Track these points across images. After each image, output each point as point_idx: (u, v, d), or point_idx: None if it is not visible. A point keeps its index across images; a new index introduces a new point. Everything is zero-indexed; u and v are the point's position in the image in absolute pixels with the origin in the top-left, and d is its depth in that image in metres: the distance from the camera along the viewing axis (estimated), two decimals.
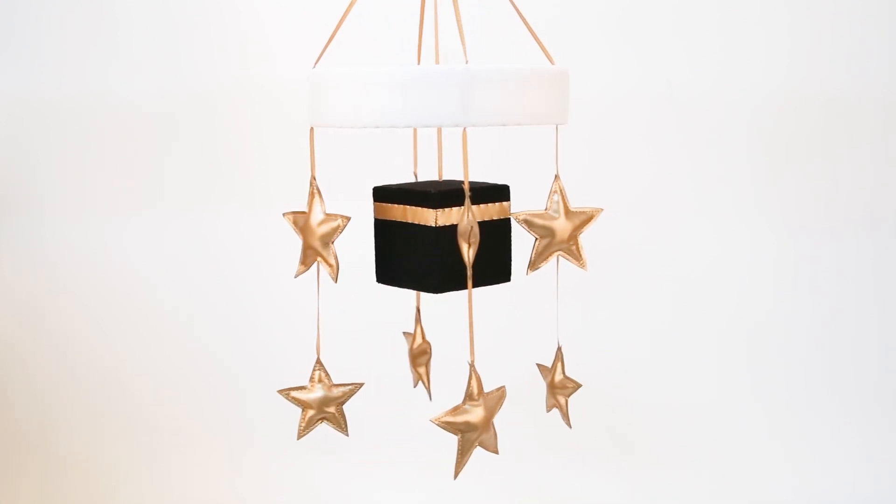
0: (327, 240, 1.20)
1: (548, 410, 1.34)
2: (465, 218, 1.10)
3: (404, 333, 1.44)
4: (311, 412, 1.29)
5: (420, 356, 1.43)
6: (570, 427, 1.32)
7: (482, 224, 1.17)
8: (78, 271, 2.41)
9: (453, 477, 1.17)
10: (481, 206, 1.18)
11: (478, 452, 1.23)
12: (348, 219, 1.19)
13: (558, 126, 1.18)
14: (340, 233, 1.19)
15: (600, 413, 2.27)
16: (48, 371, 2.43)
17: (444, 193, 1.16)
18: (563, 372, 1.30)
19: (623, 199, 2.27)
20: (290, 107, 2.21)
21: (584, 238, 1.24)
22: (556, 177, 1.19)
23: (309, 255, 1.23)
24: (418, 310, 1.40)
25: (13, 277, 2.44)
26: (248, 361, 2.37)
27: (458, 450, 1.13)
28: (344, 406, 1.32)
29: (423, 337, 1.42)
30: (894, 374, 2.28)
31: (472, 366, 1.12)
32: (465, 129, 1.07)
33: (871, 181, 2.25)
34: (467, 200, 1.11)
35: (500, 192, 1.21)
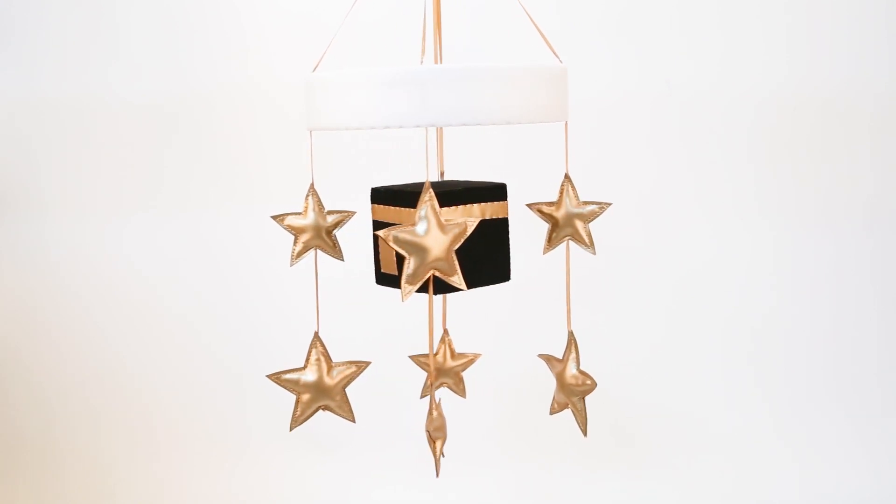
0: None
1: (552, 412, 1.28)
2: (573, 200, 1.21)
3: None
4: (306, 397, 1.20)
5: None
6: (586, 435, 1.26)
7: (481, 223, 1.17)
8: (77, 271, 2.41)
9: (289, 429, 1.20)
10: (481, 204, 1.18)
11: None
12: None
13: (559, 123, 1.18)
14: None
15: (603, 412, 2.26)
16: (47, 370, 2.43)
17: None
18: (578, 365, 1.25)
19: (623, 199, 2.26)
20: (289, 108, 2.21)
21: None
22: (566, 176, 1.22)
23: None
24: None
25: (13, 277, 2.44)
26: (248, 361, 2.37)
27: (295, 407, 1.18)
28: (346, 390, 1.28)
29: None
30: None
31: (315, 334, 1.18)
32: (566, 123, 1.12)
33: (871, 181, 2.25)
34: (569, 182, 1.21)
35: (498, 191, 1.21)
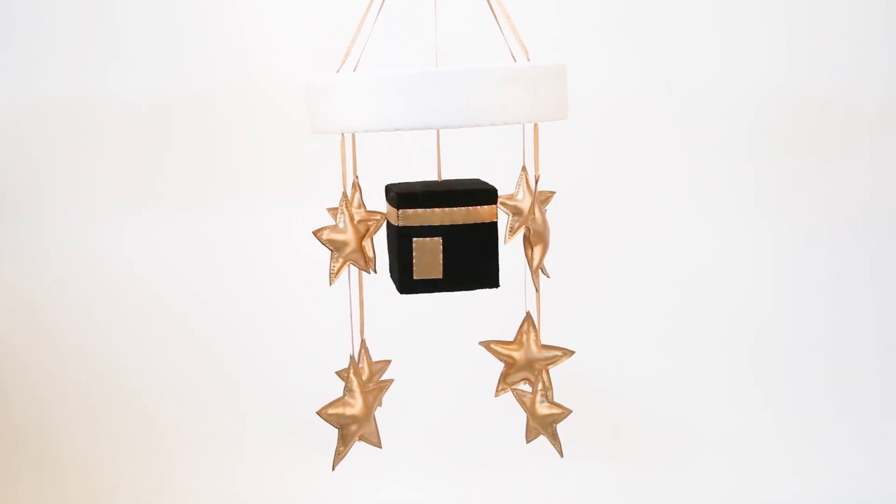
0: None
1: (528, 441, 1.30)
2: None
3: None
4: (349, 429, 1.16)
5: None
6: (562, 455, 1.30)
7: (469, 226, 1.17)
8: (77, 272, 2.41)
9: (332, 469, 1.16)
10: (451, 208, 1.17)
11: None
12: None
13: (558, 122, 1.18)
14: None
15: (604, 413, 2.27)
16: (47, 371, 2.43)
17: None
18: (538, 342, 1.29)
19: (623, 199, 2.27)
20: (289, 108, 2.21)
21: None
22: (524, 168, 1.26)
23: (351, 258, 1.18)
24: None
25: (12, 277, 2.44)
26: (248, 362, 2.37)
27: (338, 441, 1.16)
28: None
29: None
30: None
31: (352, 358, 1.14)
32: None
33: (871, 181, 2.25)
34: (525, 173, 1.23)
35: (481, 196, 1.20)
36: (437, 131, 1.35)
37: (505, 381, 1.34)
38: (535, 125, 1.14)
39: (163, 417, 2.38)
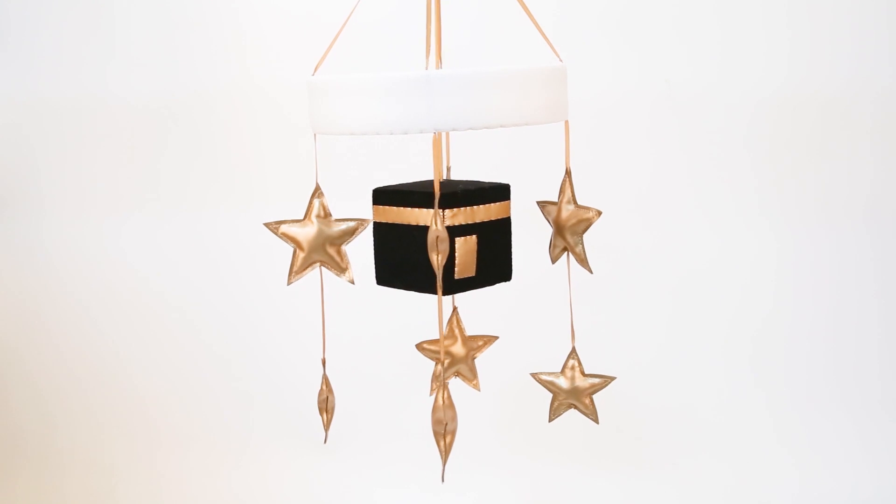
0: (340, 242, 1.17)
1: (552, 419, 1.34)
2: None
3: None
4: (449, 439, 1.16)
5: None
6: (598, 423, 1.35)
7: (497, 223, 1.19)
8: (76, 271, 2.41)
9: (441, 481, 1.18)
10: (482, 206, 1.18)
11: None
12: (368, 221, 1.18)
13: (558, 122, 1.18)
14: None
15: (604, 414, 2.26)
16: (47, 370, 2.43)
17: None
18: (583, 373, 1.32)
19: (623, 199, 2.27)
20: (288, 108, 2.21)
21: (583, 236, 1.25)
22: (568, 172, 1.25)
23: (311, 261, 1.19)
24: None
25: (11, 277, 2.44)
26: (248, 361, 2.38)
27: (444, 450, 1.18)
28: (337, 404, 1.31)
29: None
30: None
31: (439, 363, 1.15)
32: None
33: (871, 180, 2.25)
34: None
35: (500, 192, 1.21)
36: (445, 133, 1.34)
37: (440, 378, 1.36)
38: (566, 122, 1.17)
39: (163, 417, 2.38)
